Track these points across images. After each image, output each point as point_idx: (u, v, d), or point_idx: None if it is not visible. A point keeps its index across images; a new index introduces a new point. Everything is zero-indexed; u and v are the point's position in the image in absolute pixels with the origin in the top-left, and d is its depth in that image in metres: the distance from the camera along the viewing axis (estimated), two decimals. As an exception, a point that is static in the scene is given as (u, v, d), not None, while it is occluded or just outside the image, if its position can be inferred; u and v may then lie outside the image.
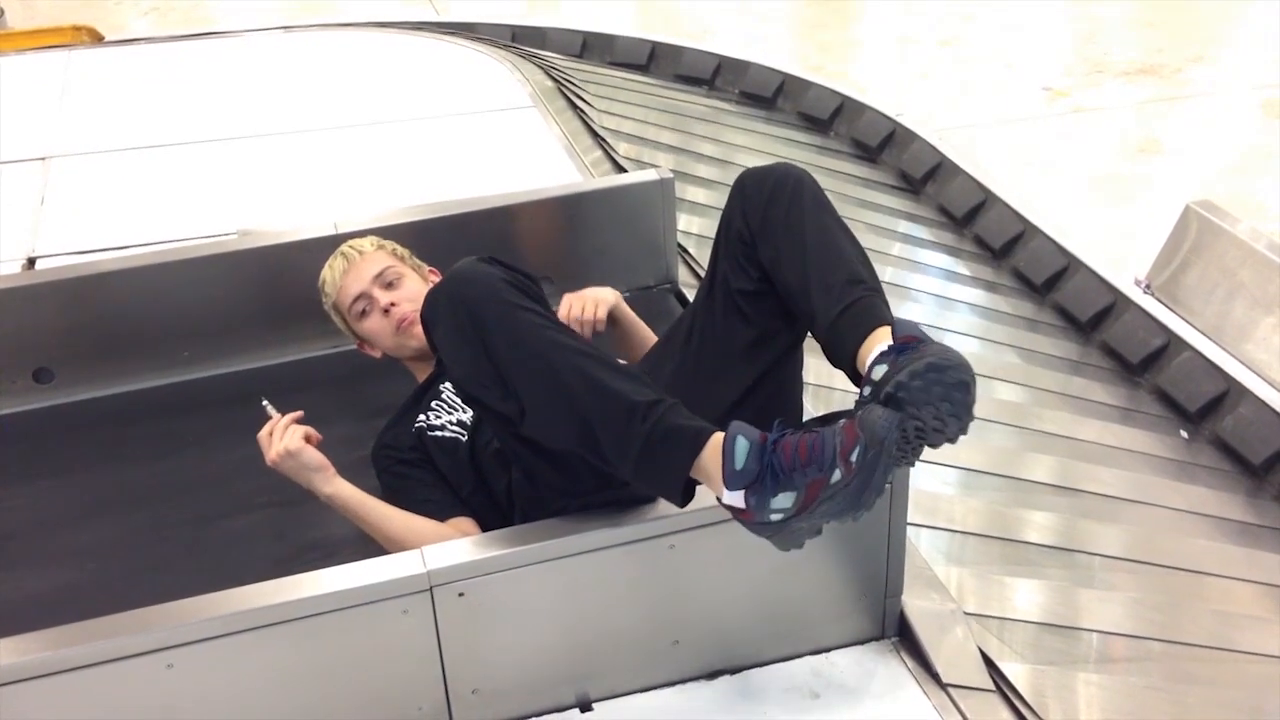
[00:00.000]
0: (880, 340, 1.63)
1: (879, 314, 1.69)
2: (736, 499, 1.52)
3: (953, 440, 1.51)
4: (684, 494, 1.59)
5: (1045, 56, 5.92)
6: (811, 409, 2.00)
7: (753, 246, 1.84)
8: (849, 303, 1.71)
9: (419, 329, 2.10)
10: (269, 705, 1.63)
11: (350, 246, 2.27)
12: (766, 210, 1.83)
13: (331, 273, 2.25)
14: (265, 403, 1.99)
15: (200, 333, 2.54)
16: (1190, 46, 5.75)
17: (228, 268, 2.54)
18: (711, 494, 1.61)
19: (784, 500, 1.49)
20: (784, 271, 1.80)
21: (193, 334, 2.54)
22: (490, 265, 1.69)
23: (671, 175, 2.66)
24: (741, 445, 1.51)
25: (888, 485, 1.55)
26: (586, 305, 2.19)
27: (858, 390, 1.59)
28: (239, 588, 1.62)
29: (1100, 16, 6.42)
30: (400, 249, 2.31)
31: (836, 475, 1.46)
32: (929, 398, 1.47)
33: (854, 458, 1.45)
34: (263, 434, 1.94)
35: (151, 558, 2.08)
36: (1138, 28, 6.22)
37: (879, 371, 1.56)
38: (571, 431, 1.61)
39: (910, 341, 1.56)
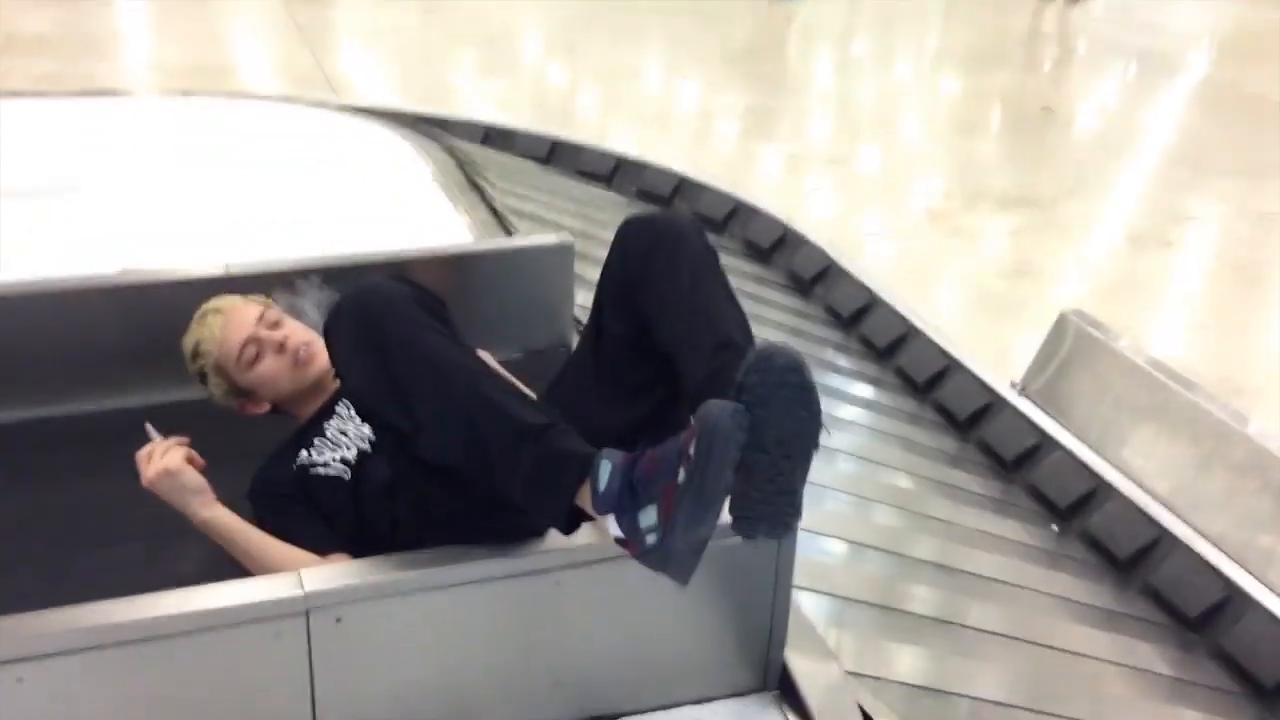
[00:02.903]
0: None
1: None
2: (616, 529, 1.52)
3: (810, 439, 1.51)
4: (570, 521, 1.58)
5: (928, 181, 6.20)
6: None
7: (633, 294, 1.86)
8: (716, 367, 1.72)
9: (317, 358, 2.08)
10: (124, 729, 1.54)
11: (216, 304, 2.21)
12: (646, 260, 1.85)
13: (207, 329, 2.17)
14: (149, 426, 1.92)
15: (75, 368, 2.45)
16: (1062, 182, 6.08)
17: (106, 302, 2.46)
18: (599, 531, 1.60)
19: (649, 517, 1.47)
20: (659, 325, 1.83)
21: (67, 368, 2.45)
22: (398, 283, 1.68)
23: (572, 241, 2.69)
24: (604, 467, 1.52)
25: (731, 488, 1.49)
26: None
27: None
28: (99, 602, 1.54)
29: (979, 150, 6.77)
30: (266, 299, 2.27)
31: (681, 475, 1.45)
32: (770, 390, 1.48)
33: (691, 450, 1.44)
34: (141, 454, 1.87)
35: (10, 585, 1.97)
36: (1013, 163, 6.57)
37: None
38: (464, 450, 1.59)
39: None
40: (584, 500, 1.54)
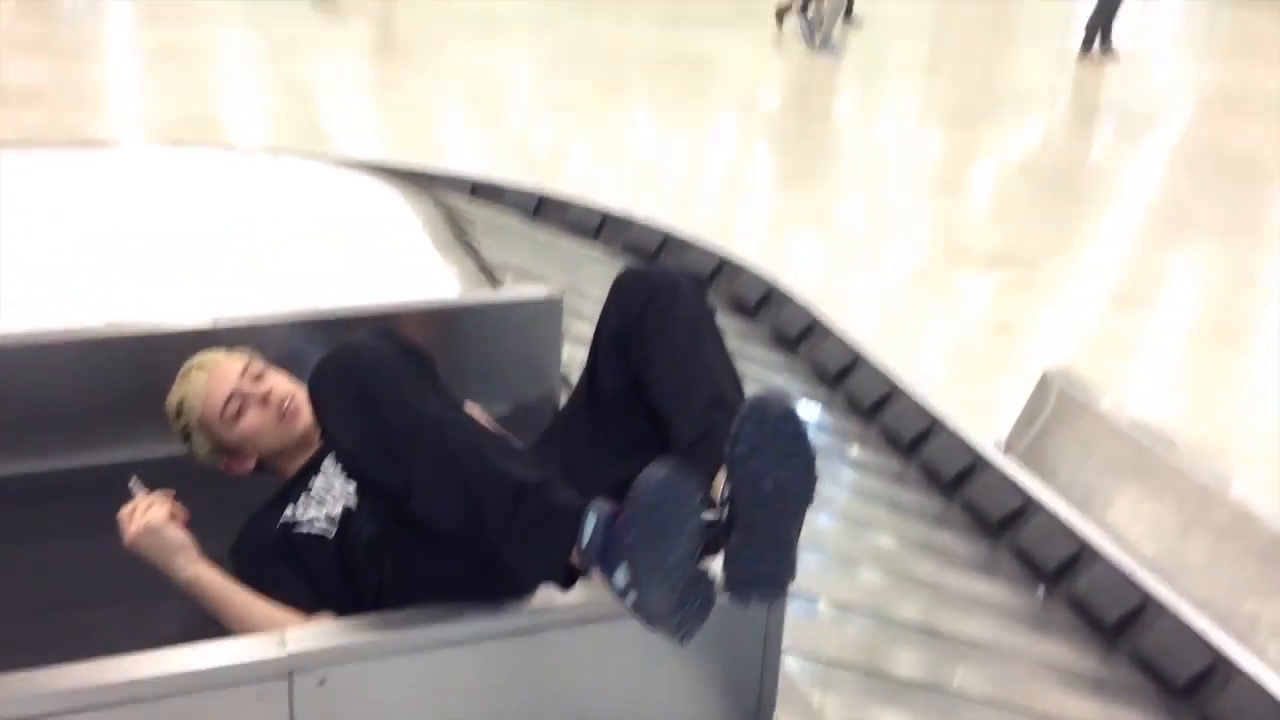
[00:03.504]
0: None
1: None
2: (609, 589, 1.50)
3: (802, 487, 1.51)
4: (567, 577, 1.56)
5: (912, 239, 6.25)
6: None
7: (626, 348, 1.86)
8: (707, 427, 1.73)
9: (303, 412, 2.06)
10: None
11: (199, 360, 2.20)
12: (641, 315, 1.86)
13: (190, 386, 2.15)
14: (134, 479, 1.90)
15: (58, 422, 2.42)
16: (1045, 240, 6.14)
17: (92, 355, 2.44)
18: (588, 590, 1.59)
19: (622, 576, 1.45)
20: (651, 381, 1.83)
21: (49, 422, 2.41)
22: (382, 339, 1.67)
23: (561, 294, 2.68)
24: (590, 520, 1.50)
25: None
26: None
27: None
28: (78, 662, 1.51)
29: (963, 207, 6.84)
30: (250, 353, 2.26)
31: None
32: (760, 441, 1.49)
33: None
34: (124, 512, 1.85)
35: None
36: (997, 220, 6.64)
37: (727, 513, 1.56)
38: (458, 509, 1.57)
39: None
40: (577, 556, 1.54)
